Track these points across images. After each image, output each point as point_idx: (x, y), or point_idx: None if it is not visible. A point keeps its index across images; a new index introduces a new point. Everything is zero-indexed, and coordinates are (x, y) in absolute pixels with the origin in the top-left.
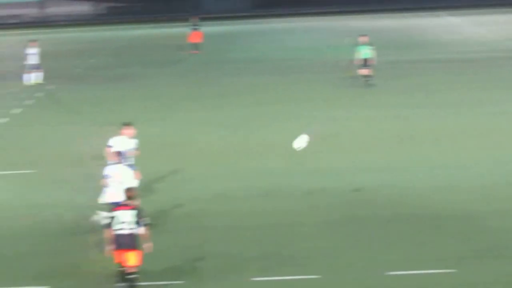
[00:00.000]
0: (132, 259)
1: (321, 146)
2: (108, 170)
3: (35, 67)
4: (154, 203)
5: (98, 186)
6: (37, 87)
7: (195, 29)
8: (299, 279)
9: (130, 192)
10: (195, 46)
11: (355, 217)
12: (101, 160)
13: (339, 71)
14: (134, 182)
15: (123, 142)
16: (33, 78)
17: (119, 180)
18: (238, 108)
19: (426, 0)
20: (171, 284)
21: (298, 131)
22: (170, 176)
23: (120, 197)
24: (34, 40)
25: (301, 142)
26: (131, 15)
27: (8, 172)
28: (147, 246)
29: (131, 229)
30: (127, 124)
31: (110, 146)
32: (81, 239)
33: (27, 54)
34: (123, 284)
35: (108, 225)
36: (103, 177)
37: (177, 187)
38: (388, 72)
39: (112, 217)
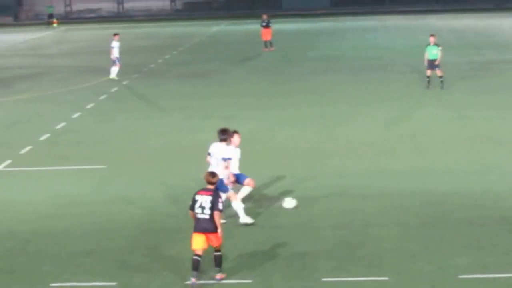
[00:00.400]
0: (207, 242)
1: (398, 146)
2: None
3: (115, 61)
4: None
5: (170, 181)
6: (114, 81)
7: (265, 26)
8: (368, 280)
9: (211, 177)
10: (268, 43)
11: (428, 219)
12: (175, 156)
13: (417, 71)
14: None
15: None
16: (112, 72)
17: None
18: (315, 107)
19: (506, 0)
20: (239, 283)
21: (375, 130)
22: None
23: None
24: (117, 33)
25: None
26: (208, 11)
27: (81, 167)
28: (218, 233)
29: (208, 214)
30: (235, 132)
31: (209, 154)
32: (153, 236)
33: (111, 47)
34: (195, 272)
35: (191, 208)
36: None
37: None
38: (466, 73)
39: (195, 201)
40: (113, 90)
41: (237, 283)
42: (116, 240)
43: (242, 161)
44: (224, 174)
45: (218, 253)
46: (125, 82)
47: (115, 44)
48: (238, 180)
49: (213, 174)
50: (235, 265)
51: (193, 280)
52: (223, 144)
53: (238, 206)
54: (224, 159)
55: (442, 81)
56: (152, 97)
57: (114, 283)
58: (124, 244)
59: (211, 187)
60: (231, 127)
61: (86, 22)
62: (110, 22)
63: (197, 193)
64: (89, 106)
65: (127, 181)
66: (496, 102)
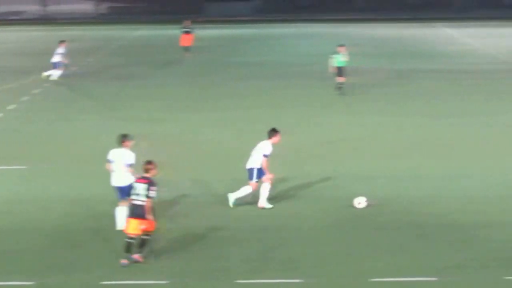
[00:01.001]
0: (139, 227)
1: (324, 151)
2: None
3: (56, 65)
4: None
5: (89, 183)
6: (36, 83)
7: (186, 32)
8: (282, 282)
9: (147, 165)
10: (186, 49)
11: (342, 224)
12: (95, 158)
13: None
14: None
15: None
16: (52, 74)
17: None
18: (237, 111)
19: (422, 11)
20: (155, 284)
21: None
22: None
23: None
24: (63, 41)
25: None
26: (132, 15)
27: (1, 167)
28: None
29: (142, 200)
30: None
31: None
32: (72, 236)
33: (56, 53)
34: (127, 254)
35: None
36: None
37: (180, 184)
38: (381, 81)
39: (133, 188)
40: (35, 91)
41: (154, 284)
42: (34, 240)
43: (165, 163)
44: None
45: (146, 237)
46: (47, 84)
47: (61, 50)
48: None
49: (149, 163)
50: (152, 266)
51: (123, 261)
52: (123, 149)
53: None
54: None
55: (341, 87)
56: (75, 99)
57: (31, 283)
58: (42, 244)
59: (147, 175)
60: (153, 129)
61: (9, 24)
62: (34, 24)
63: (135, 180)
64: (10, 107)
65: (47, 182)
66: (409, 108)
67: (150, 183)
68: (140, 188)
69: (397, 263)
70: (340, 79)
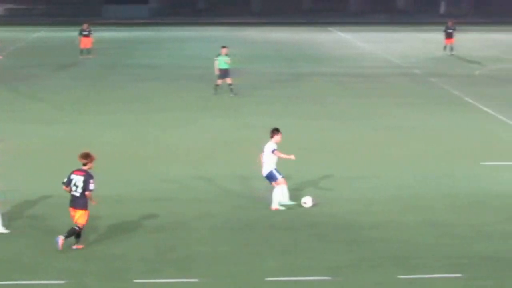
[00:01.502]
0: (78, 217)
1: (217, 152)
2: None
3: None
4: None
5: None
6: None
7: (85, 34)
8: (178, 282)
9: (82, 158)
10: (86, 51)
11: (239, 224)
12: None
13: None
14: None
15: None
16: None
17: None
18: (134, 113)
19: (318, 16)
20: (53, 283)
21: (192, 136)
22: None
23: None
24: None
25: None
26: (30, 17)
27: None
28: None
29: (79, 192)
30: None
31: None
32: None
33: None
34: (66, 235)
35: (66, 184)
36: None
37: None
38: (277, 83)
39: (70, 179)
40: None
41: (52, 283)
42: None
43: (59, 166)
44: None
45: (78, 228)
46: None
47: None
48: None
49: (83, 155)
50: (50, 265)
51: (60, 241)
52: None
53: (276, 192)
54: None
55: (232, 89)
56: None
57: None
58: None
59: (84, 168)
60: (48, 131)
61: None
62: None
63: (73, 172)
64: None
65: None
66: (300, 111)
67: (87, 175)
68: (78, 180)
69: (292, 262)
70: (227, 81)
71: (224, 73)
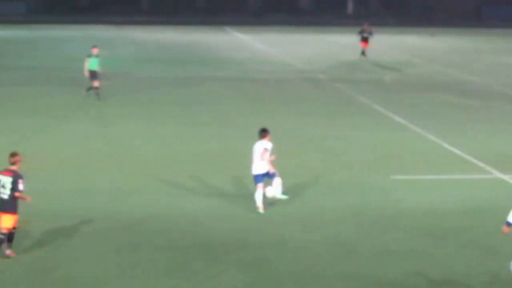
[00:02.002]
0: (5, 221)
1: (95, 164)
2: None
3: None
4: None
5: None
6: None
7: None
8: None
9: (11, 158)
10: None
11: (124, 244)
12: None
13: (108, 84)
14: None
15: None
16: None
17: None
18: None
19: (213, 15)
20: None
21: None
22: None
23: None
24: None
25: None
26: None
27: None
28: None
29: (7, 194)
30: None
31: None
32: None
33: None
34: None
35: None
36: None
37: None
38: (164, 88)
39: None
40: None
41: None
42: None
43: None
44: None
45: (13, 230)
46: None
47: None
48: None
49: (14, 155)
50: None
51: None
52: None
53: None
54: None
55: (97, 93)
56: None
57: None
58: None
59: (12, 168)
60: None
61: None
62: None
63: (0, 173)
64: None
65: None
66: (183, 116)
67: (16, 175)
68: (6, 181)
69: (180, 284)
70: (95, 84)
71: (93, 75)
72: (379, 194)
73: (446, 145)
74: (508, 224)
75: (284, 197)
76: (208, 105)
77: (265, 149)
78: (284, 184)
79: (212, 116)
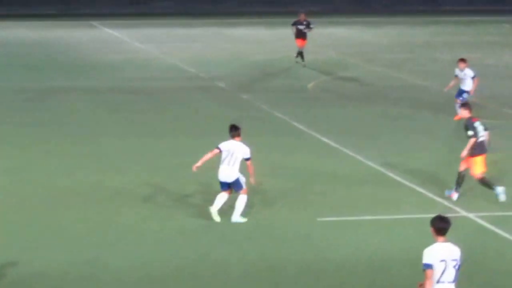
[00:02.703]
0: None
1: None
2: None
3: None
4: None
5: None
6: None
7: None
8: None
9: None
10: None
11: None
12: None
13: None
14: None
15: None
16: None
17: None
18: None
19: (76, 4)
20: None
21: None
22: None
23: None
24: None
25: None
26: None
27: None
28: None
29: None
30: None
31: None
32: None
33: None
34: None
35: None
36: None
37: None
38: (13, 104)
39: None
40: None
41: None
42: None
43: None
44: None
45: None
46: None
47: None
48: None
49: None
50: None
51: None
52: None
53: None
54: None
55: None
56: None
57: None
58: None
59: None
60: None
61: None
62: None
63: None
64: None
65: None
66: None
67: None
68: None
69: None
70: None
71: None
72: (299, 242)
73: (390, 174)
74: (426, 267)
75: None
76: (68, 127)
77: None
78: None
79: (74, 142)
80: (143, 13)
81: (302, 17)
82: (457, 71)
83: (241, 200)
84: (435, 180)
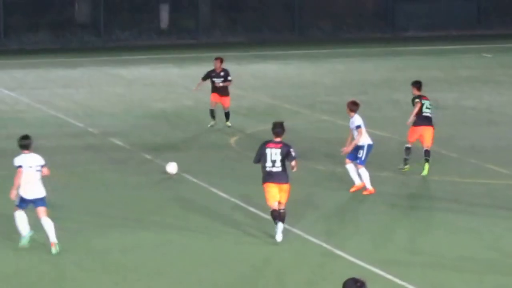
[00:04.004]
0: None
1: None
2: None
3: None
4: None
5: None
6: None
7: None
8: None
9: None
10: None
11: None
12: None
13: None
14: None
15: None
16: None
17: None
18: None
19: None
20: None
21: None
22: None
23: None
24: None
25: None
26: None
27: None
28: None
29: None
30: None
31: None
32: None
33: None
34: None
35: None
36: None
37: None
38: None
39: None
40: None
41: None
42: None
43: None
44: None
45: None
46: None
47: None
48: None
49: None
50: None
51: None
52: None
53: None
54: None
55: None
56: None
57: None
58: None
59: None
60: None
61: None
62: None
63: None
64: None
65: None
66: None
67: None
68: None
69: None
70: None
71: None
72: None
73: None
74: None
75: None
76: None
77: None
78: None
79: None
80: (10, 50)
81: (217, 65)
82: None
83: None
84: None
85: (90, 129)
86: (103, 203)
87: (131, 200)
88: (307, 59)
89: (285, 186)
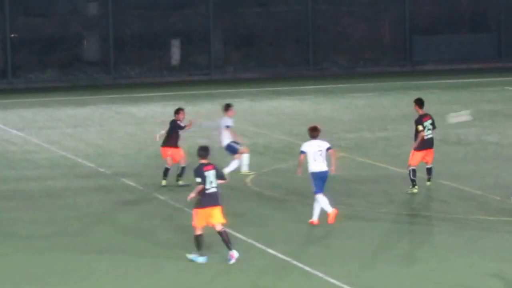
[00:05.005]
0: None
1: None
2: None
3: None
4: None
5: None
6: None
7: None
8: None
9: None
10: None
11: None
12: None
13: None
14: None
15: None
16: None
17: None
18: None
19: None
20: None
21: None
22: None
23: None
24: None
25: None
26: None
27: None
28: None
29: None
30: None
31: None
32: None
33: None
34: None
35: None
36: None
37: None
38: None
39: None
40: None
41: None
42: None
43: None
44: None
45: None
46: None
47: None
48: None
49: None
50: None
51: None
52: None
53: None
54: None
55: None
56: None
57: None
58: None
59: None
60: None
61: None
62: None
63: None
64: None
65: None
66: None
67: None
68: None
69: None
70: None
71: None
72: None
73: None
74: None
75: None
76: None
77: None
78: None
79: None
80: (18, 89)
81: (180, 115)
82: None
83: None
84: None
85: (101, 169)
86: (116, 246)
87: (146, 244)
88: (323, 94)
89: None
